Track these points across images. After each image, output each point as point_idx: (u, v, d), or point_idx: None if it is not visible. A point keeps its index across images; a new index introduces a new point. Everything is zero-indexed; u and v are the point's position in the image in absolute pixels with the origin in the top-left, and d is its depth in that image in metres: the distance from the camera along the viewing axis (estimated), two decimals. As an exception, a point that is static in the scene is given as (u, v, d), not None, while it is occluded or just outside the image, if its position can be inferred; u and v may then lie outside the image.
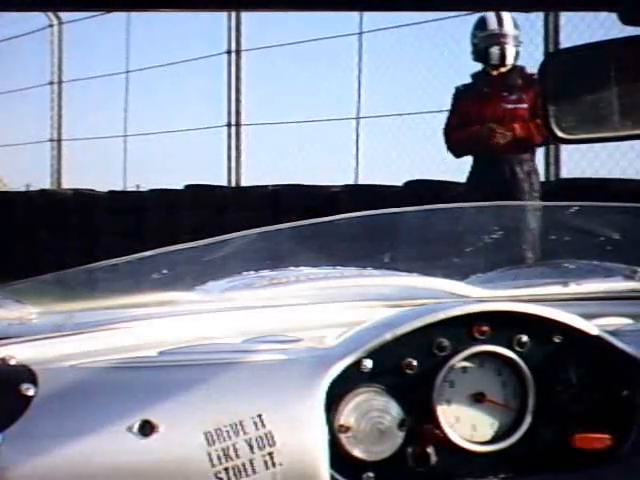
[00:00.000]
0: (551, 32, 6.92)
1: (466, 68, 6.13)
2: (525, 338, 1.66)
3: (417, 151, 8.13)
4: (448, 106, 5.89)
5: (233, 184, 9.37)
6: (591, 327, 1.69)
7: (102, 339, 1.64)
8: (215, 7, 1.32)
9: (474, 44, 5.76)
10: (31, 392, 1.47)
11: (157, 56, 10.18)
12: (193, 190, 8.96)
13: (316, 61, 9.13)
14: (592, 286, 2.04)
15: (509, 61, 5.64)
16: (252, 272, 2.05)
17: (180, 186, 9.12)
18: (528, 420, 1.65)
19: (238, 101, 9.34)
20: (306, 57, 9.12)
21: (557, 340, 1.67)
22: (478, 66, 5.78)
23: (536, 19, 6.85)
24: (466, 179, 5.84)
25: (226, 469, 1.49)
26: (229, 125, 9.43)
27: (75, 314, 1.80)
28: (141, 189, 10.36)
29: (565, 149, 6.84)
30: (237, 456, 1.50)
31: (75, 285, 2.04)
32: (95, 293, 1.94)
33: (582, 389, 1.67)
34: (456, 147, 5.78)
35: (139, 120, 10.72)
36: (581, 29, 6.70)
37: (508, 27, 5.63)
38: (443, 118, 6.01)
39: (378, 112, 8.47)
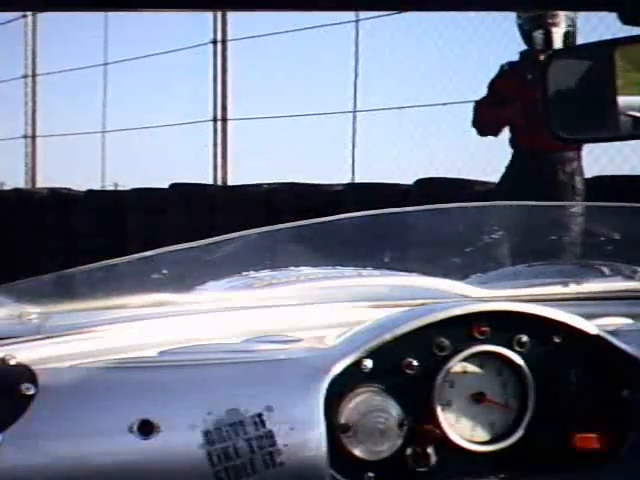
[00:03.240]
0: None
1: (472, 56, 5.94)
2: (525, 338, 1.66)
3: (420, 147, 7.67)
4: (453, 99, 5.64)
5: (219, 183, 8.90)
6: (591, 327, 1.69)
7: (102, 339, 1.64)
8: (209, 7, 1.32)
9: (519, 25, 5.21)
10: (31, 392, 1.47)
11: (137, 47, 9.74)
12: (179, 189, 8.42)
13: (309, 51, 8.64)
14: (592, 286, 2.04)
15: (556, 47, 4.89)
16: (252, 272, 2.05)
17: (165, 185, 8.60)
18: (528, 420, 1.65)
19: (224, 94, 8.86)
20: (298, 46, 8.62)
21: (557, 340, 1.67)
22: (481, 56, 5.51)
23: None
24: (501, 177, 5.43)
25: (226, 469, 1.49)
26: (214, 120, 8.95)
27: (75, 314, 1.80)
28: (119, 188, 9.86)
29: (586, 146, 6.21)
30: (237, 456, 1.50)
31: (75, 285, 2.04)
32: (95, 293, 1.94)
33: (582, 389, 1.67)
34: (481, 124, 5.35)
35: (118, 115, 10.27)
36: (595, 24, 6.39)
37: None
38: (448, 111, 5.87)
39: (377, 105, 7.94)
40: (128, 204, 8.80)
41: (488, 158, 6.94)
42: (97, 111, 10.40)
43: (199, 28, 8.97)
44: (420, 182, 6.86)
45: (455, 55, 7.34)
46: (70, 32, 10.29)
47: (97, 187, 10.06)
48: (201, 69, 9.09)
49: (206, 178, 8.95)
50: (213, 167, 9.01)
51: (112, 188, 10.12)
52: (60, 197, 9.56)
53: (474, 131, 5.55)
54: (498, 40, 6.93)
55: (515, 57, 5.38)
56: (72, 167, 10.70)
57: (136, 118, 9.91)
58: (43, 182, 10.75)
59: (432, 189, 6.52)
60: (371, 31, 7.94)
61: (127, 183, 9.53)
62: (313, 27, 8.08)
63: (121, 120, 10.13)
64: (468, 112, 5.82)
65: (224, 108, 8.94)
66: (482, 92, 5.49)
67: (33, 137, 11.14)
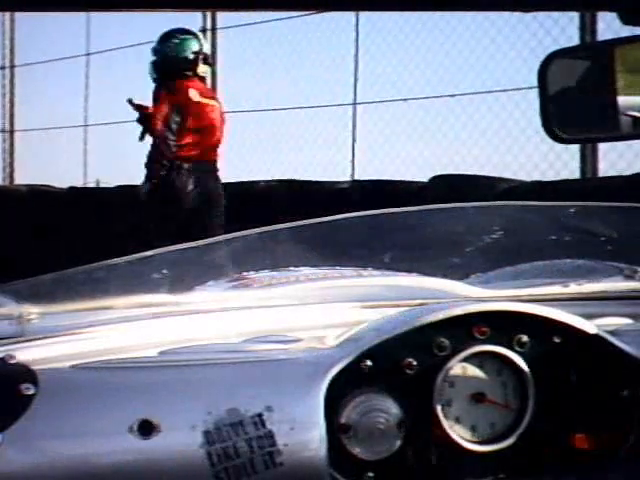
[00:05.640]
0: (588, 25, 6.13)
1: (479, 46, 5.83)
2: (525, 338, 1.66)
3: (425, 141, 7.29)
4: (460, 90, 5.55)
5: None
6: (591, 327, 1.69)
7: (102, 339, 1.64)
8: (206, 7, 1.32)
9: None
10: (31, 392, 1.47)
11: (121, 36, 9.16)
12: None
13: (305, 39, 8.14)
14: (592, 286, 2.04)
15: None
16: (252, 272, 2.05)
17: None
18: (528, 420, 1.65)
19: (214, 86, 8.38)
20: (293, 35, 8.19)
21: (557, 340, 1.67)
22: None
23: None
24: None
25: (226, 469, 1.49)
26: (204, 113, 8.76)
27: (75, 314, 1.80)
28: (102, 185, 9.37)
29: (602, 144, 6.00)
30: (237, 456, 1.50)
31: (75, 285, 2.04)
32: (95, 293, 1.94)
33: (582, 389, 1.67)
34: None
35: (101, 108, 9.70)
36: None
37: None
38: (454, 103, 5.78)
39: (378, 97, 7.54)
40: (113, 202, 8.35)
41: (502, 154, 6.81)
42: (79, 104, 9.95)
43: (187, 16, 8.28)
44: (436, 179, 6.47)
45: (462, 45, 7.06)
46: (51, 21, 9.59)
47: (79, 184, 9.58)
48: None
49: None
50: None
51: (94, 185, 9.62)
52: (40, 195, 9.07)
53: (484, 125, 5.55)
54: (505, 32, 6.75)
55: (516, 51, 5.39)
56: (52, 163, 10.24)
57: (120, 111, 9.03)
58: (22, 179, 10.26)
59: (450, 187, 6.17)
60: (372, 18, 7.54)
61: (111, 180, 9.06)
62: (310, 14, 7.52)
63: (104, 113, 9.62)
64: (478, 104, 5.76)
65: (215, 100, 8.72)
66: (491, 83, 5.38)
67: (11, 132, 10.71)
